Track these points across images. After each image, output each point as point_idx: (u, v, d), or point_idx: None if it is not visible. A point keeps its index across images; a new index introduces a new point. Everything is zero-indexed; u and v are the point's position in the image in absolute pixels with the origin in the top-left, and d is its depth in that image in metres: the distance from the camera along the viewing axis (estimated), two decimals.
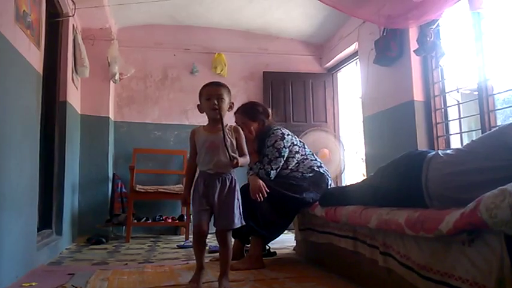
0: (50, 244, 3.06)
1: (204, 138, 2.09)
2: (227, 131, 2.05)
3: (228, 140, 2.00)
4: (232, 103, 2.16)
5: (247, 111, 2.96)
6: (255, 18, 5.05)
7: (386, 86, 3.92)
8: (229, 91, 2.14)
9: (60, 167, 3.55)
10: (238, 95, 5.19)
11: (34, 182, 2.69)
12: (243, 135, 2.15)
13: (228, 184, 2.06)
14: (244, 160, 2.08)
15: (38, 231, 2.87)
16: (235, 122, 2.97)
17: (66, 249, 3.54)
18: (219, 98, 2.07)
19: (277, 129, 2.90)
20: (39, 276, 2.38)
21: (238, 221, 2.05)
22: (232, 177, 2.09)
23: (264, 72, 5.37)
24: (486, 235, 1.21)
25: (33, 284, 2.15)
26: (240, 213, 2.07)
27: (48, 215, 3.36)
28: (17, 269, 2.27)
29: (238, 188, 2.10)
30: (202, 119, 4.90)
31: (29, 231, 2.55)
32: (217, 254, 3.12)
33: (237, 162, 1.96)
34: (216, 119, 2.07)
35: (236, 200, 2.07)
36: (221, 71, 5.22)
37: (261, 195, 2.67)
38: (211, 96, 2.08)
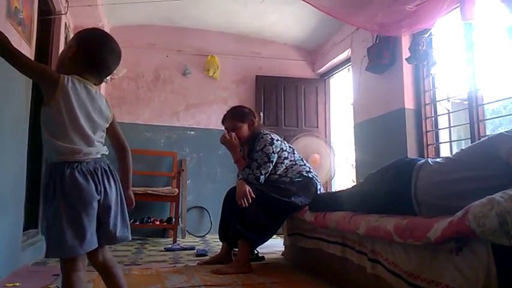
0: (35, 244, 3.01)
1: None
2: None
3: None
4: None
5: (236, 114, 2.97)
6: (249, 22, 5.06)
7: (377, 93, 3.94)
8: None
9: None
10: (230, 98, 5.21)
11: (21, 181, 2.65)
12: None
13: None
14: None
15: (23, 231, 2.82)
16: (226, 128, 2.97)
17: None
18: None
19: (267, 134, 2.90)
20: (24, 276, 2.34)
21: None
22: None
23: (256, 76, 5.37)
24: (474, 244, 1.22)
25: (17, 284, 2.11)
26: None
27: (34, 215, 3.30)
28: (1, 269, 2.23)
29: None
30: (194, 121, 4.91)
31: (14, 230, 2.51)
32: (206, 257, 3.13)
33: None
34: None
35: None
36: (214, 73, 5.21)
37: (245, 200, 2.69)
38: None
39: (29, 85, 2.75)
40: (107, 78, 4.45)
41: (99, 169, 1.35)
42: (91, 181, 1.31)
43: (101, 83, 1.50)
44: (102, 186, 1.33)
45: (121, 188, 1.42)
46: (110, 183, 1.36)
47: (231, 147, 2.94)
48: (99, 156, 1.37)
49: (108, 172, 1.38)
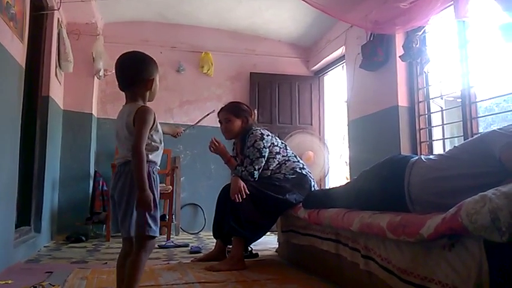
0: (28, 241, 2.99)
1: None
2: None
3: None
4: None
5: (232, 108, 3.00)
6: (243, 19, 5.04)
7: (371, 91, 3.95)
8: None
9: (40, 163, 3.48)
10: (224, 95, 5.19)
11: (13, 177, 2.63)
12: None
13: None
14: None
15: (16, 228, 2.81)
16: (219, 120, 3.00)
17: (45, 246, 3.48)
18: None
19: (257, 129, 2.91)
20: (16, 273, 2.32)
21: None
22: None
23: (251, 73, 5.36)
24: (466, 240, 1.23)
25: (9, 281, 2.10)
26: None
27: (27, 212, 3.28)
28: None
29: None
30: (188, 118, 4.90)
31: (6, 227, 2.49)
32: (200, 254, 3.13)
33: None
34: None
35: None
36: (208, 70, 5.20)
37: (240, 196, 2.69)
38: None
39: (21, 80, 2.72)
40: (100, 74, 4.46)
41: (120, 170, 1.65)
42: (113, 179, 1.70)
43: (135, 92, 1.82)
44: (114, 183, 1.65)
45: (130, 189, 1.61)
46: (118, 183, 1.63)
47: (217, 152, 3.01)
48: (123, 161, 1.64)
49: (123, 174, 1.63)
